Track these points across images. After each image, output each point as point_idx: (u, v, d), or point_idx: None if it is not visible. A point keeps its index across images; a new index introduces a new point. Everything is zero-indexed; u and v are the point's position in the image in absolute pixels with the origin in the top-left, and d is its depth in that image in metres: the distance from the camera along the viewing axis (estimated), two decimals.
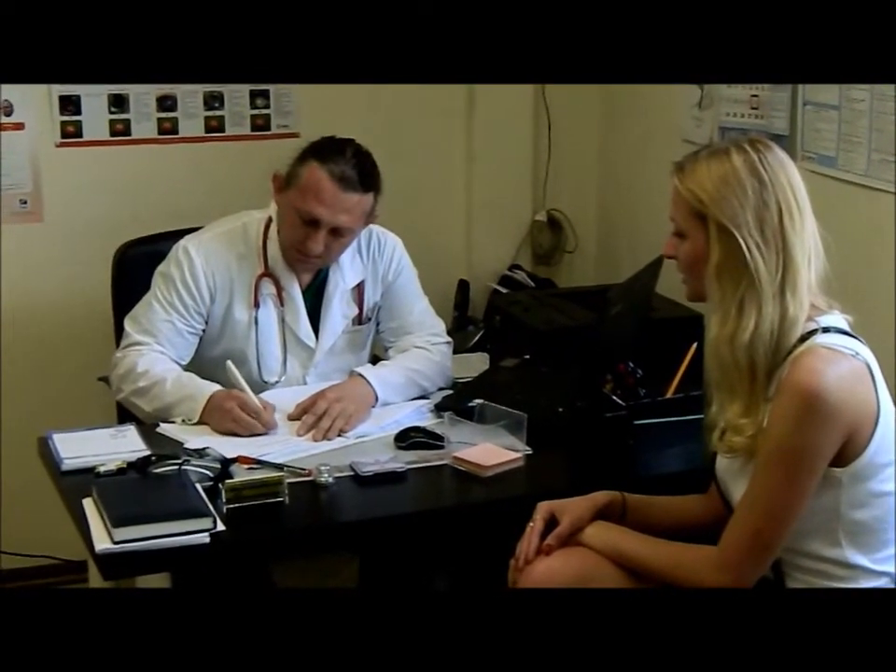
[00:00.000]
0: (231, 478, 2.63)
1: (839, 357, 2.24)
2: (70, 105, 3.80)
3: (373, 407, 3.04)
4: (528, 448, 2.82)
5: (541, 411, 2.90)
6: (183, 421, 2.92)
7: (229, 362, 2.96)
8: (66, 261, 3.86)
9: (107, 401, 3.24)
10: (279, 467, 2.69)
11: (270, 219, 3.15)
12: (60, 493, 2.70)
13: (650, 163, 4.01)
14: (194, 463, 2.65)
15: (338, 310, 3.21)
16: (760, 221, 2.27)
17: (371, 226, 3.20)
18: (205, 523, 2.44)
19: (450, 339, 3.33)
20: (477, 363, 3.46)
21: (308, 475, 2.68)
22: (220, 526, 2.45)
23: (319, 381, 3.16)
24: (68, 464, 2.74)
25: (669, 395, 2.97)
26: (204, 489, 2.58)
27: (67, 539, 2.68)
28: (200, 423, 2.91)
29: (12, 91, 3.70)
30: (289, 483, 2.61)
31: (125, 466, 2.69)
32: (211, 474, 2.63)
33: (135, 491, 2.59)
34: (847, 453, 2.24)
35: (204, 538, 2.42)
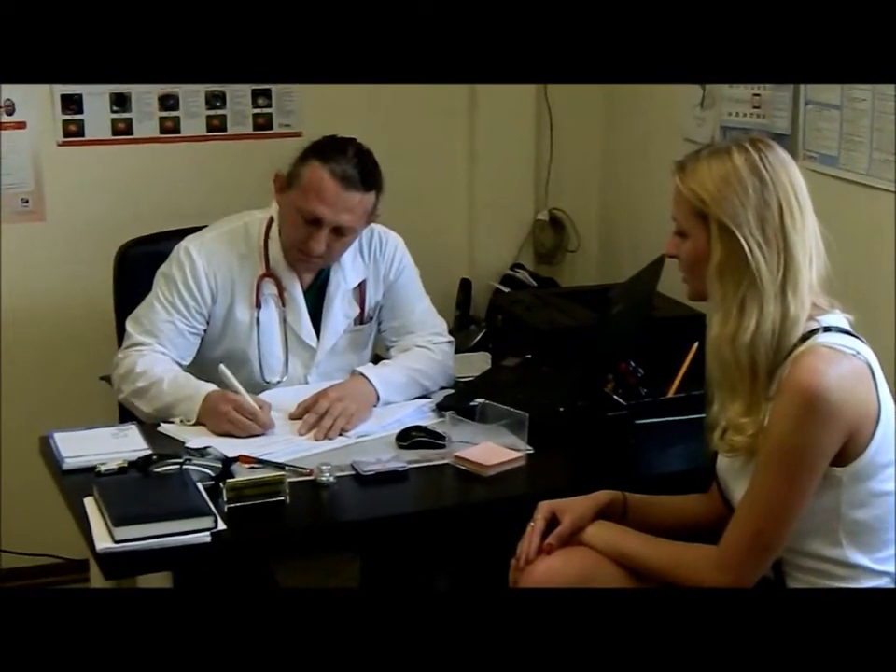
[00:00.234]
0: (233, 477, 2.63)
1: (840, 357, 2.24)
2: (72, 104, 3.80)
3: (375, 406, 3.04)
4: (530, 447, 2.82)
5: (543, 410, 2.90)
6: (182, 421, 2.93)
7: (221, 365, 2.95)
8: (68, 261, 3.86)
9: (109, 401, 3.24)
10: (280, 466, 2.69)
11: (271, 219, 3.15)
12: (61, 492, 2.70)
13: (651, 163, 4.02)
14: (195, 462, 2.65)
15: (339, 310, 3.20)
16: (761, 220, 2.27)
17: (373, 225, 3.20)
18: (206, 522, 2.44)
19: (452, 338, 3.33)
20: (479, 362, 3.46)
21: (309, 474, 2.68)
22: (221, 526, 2.45)
23: (321, 380, 3.15)
24: (69, 463, 2.74)
25: (670, 394, 2.97)
26: (206, 488, 2.58)
27: (68, 539, 2.68)
28: (197, 424, 2.91)
29: (14, 91, 3.70)
30: (291, 483, 2.61)
31: (126, 465, 2.69)
32: (212, 473, 2.64)
33: (136, 490, 2.60)
34: (848, 452, 2.24)
35: (205, 537, 2.43)
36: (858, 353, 2.26)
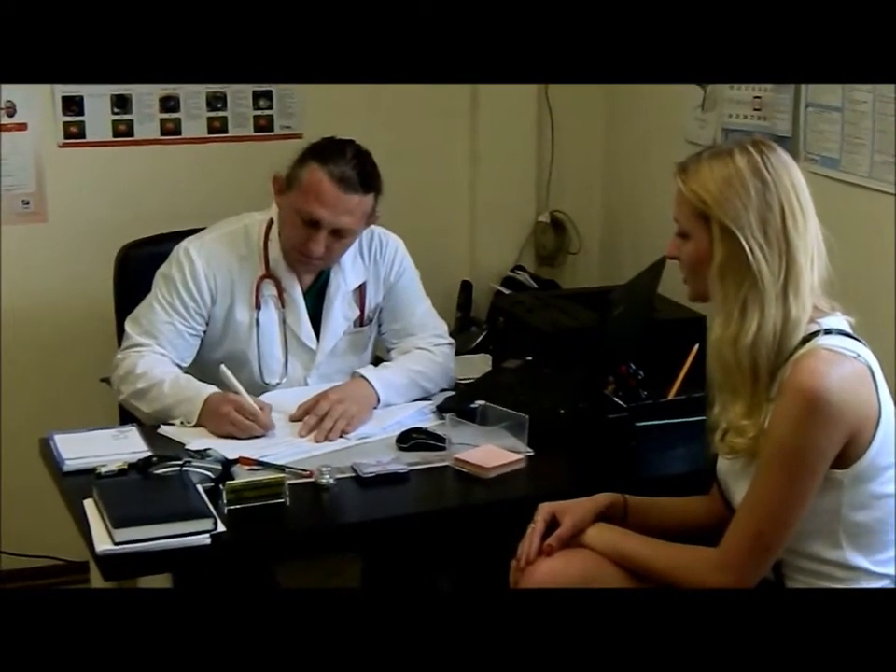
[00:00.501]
0: (233, 479, 2.62)
1: (841, 359, 2.24)
2: (73, 105, 3.80)
3: (375, 408, 3.04)
4: (530, 450, 2.82)
5: (543, 412, 2.90)
6: (182, 423, 2.92)
7: (222, 366, 2.95)
8: (69, 262, 3.86)
9: (109, 402, 3.24)
10: (280, 468, 2.69)
11: (271, 221, 3.15)
12: (61, 493, 2.70)
13: (653, 164, 4.01)
14: (195, 464, 2.65)
15: (339, 311, 3.20)
16: (763, 223, 2.27)
17: (373, 227, 3.19)
18: (206, 524, 2.44)
19: (452, 340, 3.32)
20: (479, 364, 3.46)
21: (309, 476, 2.68)
22: (221, 527, 2.45)
23: (321, 382, 3.15)
24: (69, 465, 2.74)
25: (671, 396, 2.97)
26: (206, 490, 2.58)
27: (68, 540, 2.68)
28: (198, 425, 2.91)
29: (15, 92, 3.70)
30: (291, 485, 2.61)
31: (126, 467, 2.69)
32: (212, 475, 2.63)
33: (136, 492, 2.59)
34: (849, 454, 2.24)
35: (205, 539, 2.42)
36: (858, 355, 2.26)
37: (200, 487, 2.58)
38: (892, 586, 2.31)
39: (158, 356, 3.05)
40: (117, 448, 2.79)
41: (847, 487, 2.26)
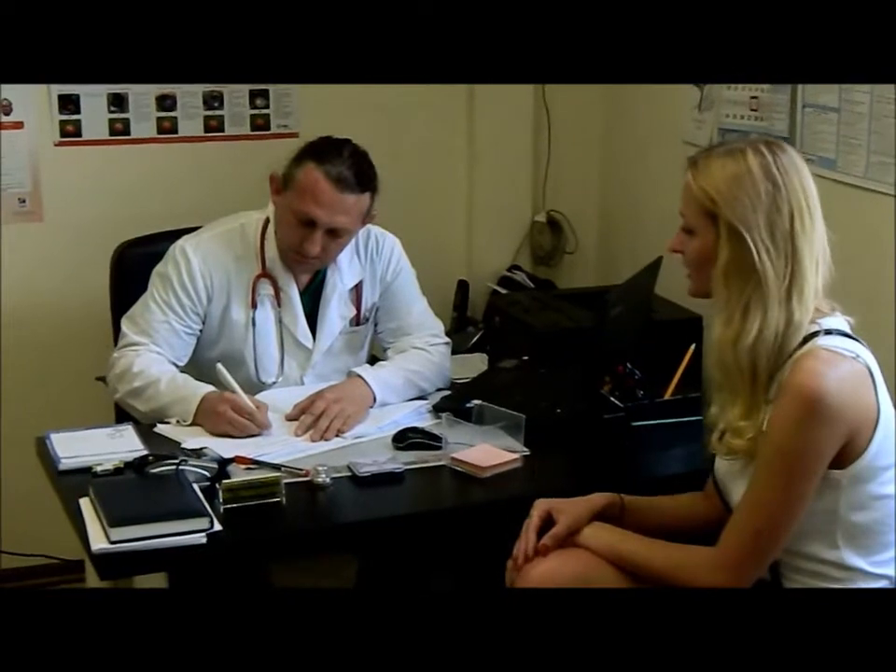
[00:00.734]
0: (229, 478, 2.62)
1: (840, 360, 2.24)
2: (69, 104, 3.79)
3: (371, 408, 3.04)
4: (526, 449, 2.82)
5: (540, 412, 2.90)
6: (178, 422, 2.92)
7: (219, 365, 2.95)
8: (65, 261, 3.86)
9: (106, 401, 3.24)
10: (276, 467, 2.69)
11: (267, 220, 3.15)
12: (57, 492, 2.69)
13: (650, 164, 4.01)
14: (191, 463, 2.64)
15: (336, 311, 3.20)
16: (771, 225, 2.26)
17: (370, 226, 3.19)
18: (202, 523, 2.44)
19: (449, 340, 3.32)
20: (476, 364, 3.46)
21: (305, 475, 2.68)
22: (217, 527, 2.45)
23: (317, 381, 3.15)
24: (65, 463, 2.73)
25: (667, 396, 2.97)
26: (202, 489, 2.58)
27: (64, 539, 2.67)
28: (194, 424, 2.91)
29: (11, 90, 3.70)
30: (287, 484, 2.61)
31: (122, 466, 2.69)
32: (208, 474, 2.63)
33: (132, 491, 2.59)
34: (848, 455, 2.24)
35: (201, 538, 2.42)
36: (858, 356, 2.26)
37: (196, 486, 2.58)
38: (889, 587, 2.31)
39: (154, 354, 3.05)
40: (113, 447, 2.79)
41: (846, 488, 2.26)
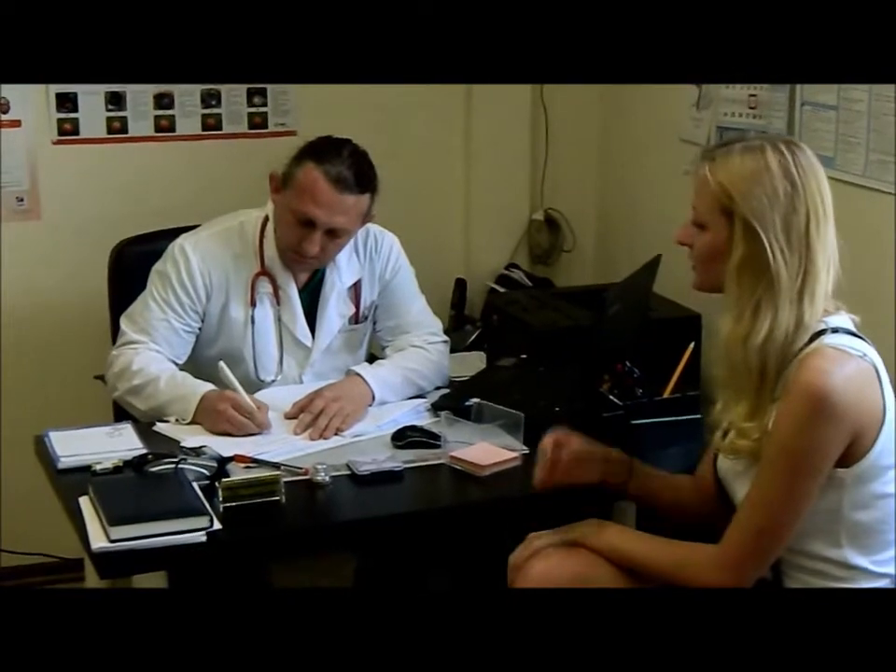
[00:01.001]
0: (228, 477, 2.63)
1: (847, 358, 2.23)
2: (67, 102, 3.79)
3: (370, 406, 3.04)
4: (525, 448, 2.82)
5: (539, 410, 2.90)
6: (177, 420, 2.92)
7: (221, 363, 2.95)
8: (63, 259, 3.85)
9: (105, 400, 3.24)
10: (276, 466, 2.69)
11: (266, 218, 3.15)
12: (56, 491, 2.69)
13: (648, 163, 4.02)
14: (191, 462, 2.65)
15: (334, 309, 3.20)
16: (787, 225, 2.25)
17: (369, 225, 3.19)
18: (202, 521, 2.44)
19: (447, 338, 3.33)
20: (474, 362, 3.46)
21: (305, 474, 2.68)
22: (217, 525, 2.45)
23: (316, 380, 3.15)
24: (65, 462, 2.73)
25: (666, 395, 2.97)
26: (201, 488, 2.58)
27: (63, 538, 2.67)
28: (193, 423, 2.91)
29: (9, 89, 3.70)
30: (286, 482, 2.61)
31: (121, 464, 2.69)
32: (207, 473, 2.63)
33: (132, 489, 2.60)
34: (852, 454, 2.24)
35: (201, 536, 2.42)
36: (864, 354, 2.26)
37: (195, 485, 2.58)
38: (891, 586, 2.31)
39: (153, 353, 3.05)
40: (112, 446, 2.79)
41: (850, 486, 2.26)
